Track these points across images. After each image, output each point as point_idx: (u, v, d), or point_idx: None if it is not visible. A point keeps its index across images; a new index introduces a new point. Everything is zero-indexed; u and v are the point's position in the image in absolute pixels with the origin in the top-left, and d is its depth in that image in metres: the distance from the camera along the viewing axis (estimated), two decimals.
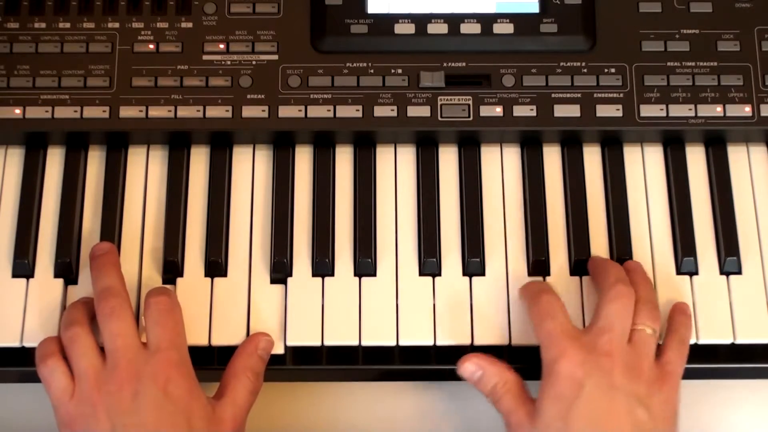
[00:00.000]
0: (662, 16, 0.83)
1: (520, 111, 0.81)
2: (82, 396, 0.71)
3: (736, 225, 0.80)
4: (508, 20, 0.83)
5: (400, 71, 0.82)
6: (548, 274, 0.79)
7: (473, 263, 0.79)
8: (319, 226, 0.80)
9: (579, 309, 0.78)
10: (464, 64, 0.82)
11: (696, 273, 0.80)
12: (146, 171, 0.83)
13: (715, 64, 0.82)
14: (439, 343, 0.77)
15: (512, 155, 0.83)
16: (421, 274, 0.79)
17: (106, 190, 0.81)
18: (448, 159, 0.83)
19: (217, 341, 0.77)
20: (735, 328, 0.78)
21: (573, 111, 0.81)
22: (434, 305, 0.78)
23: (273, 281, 0.79)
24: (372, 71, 0.82)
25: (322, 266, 0.79)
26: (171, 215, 0.81)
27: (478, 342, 0.77)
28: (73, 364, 0.72)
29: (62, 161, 0.83)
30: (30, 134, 0.82)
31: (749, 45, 0.82)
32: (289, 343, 0.77)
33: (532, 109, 0.81)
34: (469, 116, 0.81)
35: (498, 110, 0.81)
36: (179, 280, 0.79)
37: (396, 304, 0.78)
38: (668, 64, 0.82)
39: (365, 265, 0.79)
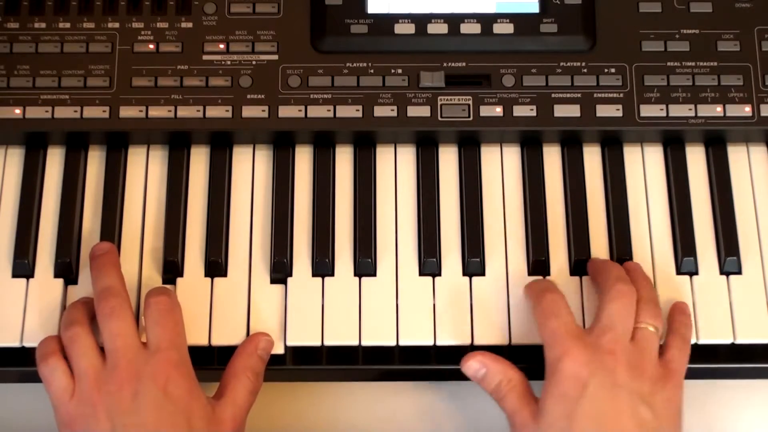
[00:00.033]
0: (662, 16, 0.83)
1: (520, 111, 0.81)
2: (82, 396, 0.71)
3: (736, 225, 0.80)
4: (508, 20, 0.83)
5: (400, 71, 0.82)
6: (548, 274, 0.79)
7: (473, 263, 0.79)
8: (319, 226, 0.80)
9: (579, 309, 0.78)
10: (464, 64, 0.82)
11: (696, 273, 0.80)
12: (146, 171, 0.83)
13: (715, 64, 0.82)
14: (439, 343, 0.77)
15: (512, 155, 0.83)
16: (421, 274, 0.79)
17: (106, 190, 0.81)
18: (448, 159, 0.83)
19: (217, 341, 0.77)
20: (735, 328, 0.78)
21: (573, 111, 0.81)
22: (434, 305, 0.78)
23: (273, 281, 0.79)
24: (372, 71, 0.82)
25: (322, 266, 0.79)
26: (171, 215, 0.81)
27: (478, 342, 0.77)
28: (73, 364, 0.72)
29: (62, 161, 0.83)
30: (30, 134, 0.82)
31: (749, 45, 0.82)
32: (289, 343, 0.77)
33: (532, 109, 0.81)
34: (469, 116, 0.81)
35: (498, 110, 0.81)
36: (179, 280, 0.79)
37: (396, 304, 0.78)
38: (668, 64, 0.82)
39: (365, 265, 0.79)
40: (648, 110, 0.81)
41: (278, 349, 0.77)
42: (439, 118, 0.81)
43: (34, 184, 0.81)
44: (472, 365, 0.74)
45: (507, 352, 0.77)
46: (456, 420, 0.81)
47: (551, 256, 0.80)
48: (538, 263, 0.79)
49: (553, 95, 0.81)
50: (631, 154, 0.83)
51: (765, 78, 0.82)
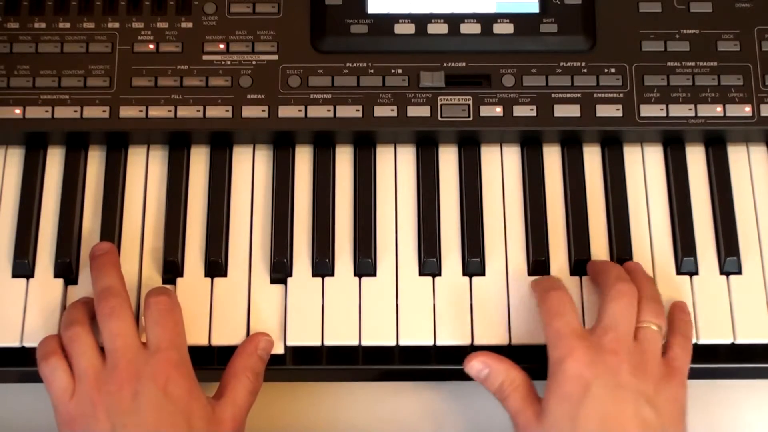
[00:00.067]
0: (662, 16, 0.83)
1: (520, 111, 0.81)
2: (82, 395, 0.71)
3: (736, 225, 0.80)
4: (508, 20, 0.83)
5: (400, 71, 0.82)
6: (548, 274, 0.79)
7: (473, 263, 0.79)
8: (319, 226, 0.80)
9: (579, 309, 0.78)
10: (464, 64, 0.82)
11: (696, 273, 0.80)
12: (146, 171, 0.83)
13: (715, 64, 0.82)
14: (439, 343, 0.77)
15: (512, 155, 0.83)
16: (421, 274, 0.79)
17: (106, 190, 0.81)
18: (448, 159, 0.83)
19: (217, 341, 0.77)
20: (735, 328, 0.77)
21: (573, 111, 0.81)
22: (434, 305, 0.78)
23: (273, 281, 0.79)
24: (372, 71, 0.82)
25: (322, 266, 0.79)
26: (171, 215, 0.81)
27: (477, 342, 0.77)
28: (73, 364, 0.72)
29: (62, 161, 0.83)
30: (30, 134, 0.82)
31: (749, 45, 0.82)
32: (289, 343, 0.77)
33: (532, 109, 0.81)
34: (469, 116, 0.81)
35: (498, 110, 0.81)
36: (179, 280, 0.79)
37: (396, 304, 0.78)
38: (668, 64, 0.82)
39: (365, 265, 0.79)
40: (648, 110, 0.81)
41: (278, 349, 0.77)
42: (439, 118, 0.81)
43: (34, 184, 0.81)
44: (474, 365, 0.74)
45: (507, 352, 0.76)
46: (456, 420, 0.81)
47: (551, 256, 0.80)
48: (538, 263, 0.79)
49: (553, 95, 0.81)
50: (631, 154, 0.83)
51: (765, 78, 0.82)
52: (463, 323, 0.78)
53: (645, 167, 0.83)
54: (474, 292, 0.79)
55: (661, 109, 0.81)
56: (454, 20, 0.83)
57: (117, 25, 0.83)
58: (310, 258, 0.79)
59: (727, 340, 0.78)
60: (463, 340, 0.77)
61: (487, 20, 0.83)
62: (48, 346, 0.73)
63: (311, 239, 0.80)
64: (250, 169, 0.83)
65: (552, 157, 0.83)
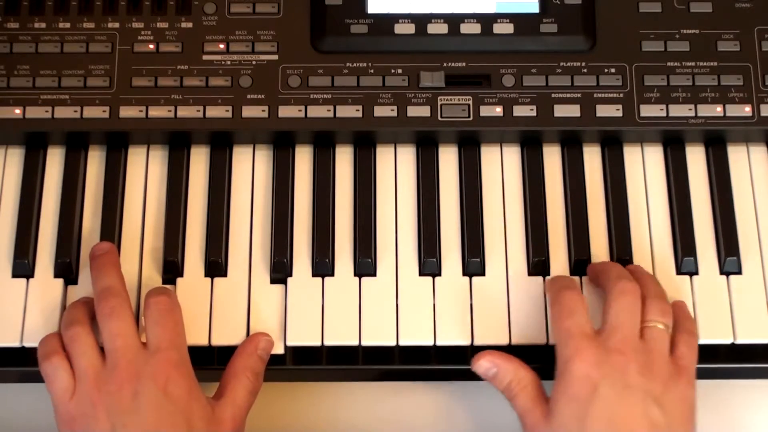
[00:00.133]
0: (662, 16, 0.83)
1: (520, 111, 0.81)
2: (82, 395, 0.71)
3: (736, 225, 0.80)
4: (508, 20, 0.83)
5: (400, 71, 0.82)
6: (548, 274, 0.79)
7: (473, 263, 0.79)
8: (319, 226, 0.80)
9: None
10: (464, 64, 0.82)
11: (696, 273, 0.80)
12: (146, 171, 0.83)
13: (715, 64, 0.82)
14: (439, 343, 0.77)
15: (512, 155, 0.83)
16: (421, 274, 0.79)
17: (106, 190, 0.81)
18: (448, 159, 0.83)
19: (217, 341, 0.77)
20: (735, 328, 0.77)
21: (573, 111, 0.81)
22: (434, 305, 0.78)
23: (273, 281, 0.79)
24: (372, 71, 0.82)
25: (322, 266, 0.79)
26: (171, 215, 0.81)
27: (477, 342, 0.77)
28: (73, 363, 0.72)
29: (62, 161, 0.83)
30: (30, 134, 0.82)
31: (749, 45, 0.82)
32: (289, 343, 0.77)
33: (532, 109, 0.81)
34: (469, 116, 0.81)
35: (498, 110, 0.81)
36: (179, 280, 0.79)
37: (396, 304, 0.78)
38: (668, 64, 0.82)
39: (365, 265, 0.79)
40: (648, 110, 0.81)
41: (278, 349, 0.77)
42: (439, 118, 0.81)
43: (34, 184, 0.81)
44: (482, 364, 0.74)
45: (507, 352, 0.76)
46: (456, 420, 0.81)
47: (551, 256, 0.80)
48: (538, 263, 0.79)
49: (553, 95, 0.81)
50: (631, 154, 0.83)
51: (765, 78, 0.82)
52: (463, 323, 0.78)
53: (645, 167, 0.83)
54: (474, 292, 0.79)
55: (661, 109, 0.81)
56: (454, 20, 0.83)
57: (117, 25, 0.83)
58: (310, 258, 0.79)
59: (727, 340, 0.77)
60: (463, 340, 0.77)
61: (487, 20, 0.83)
62: (49, 346, 0.73)
63: (311, 239, 0.80)
64: (250, 169, 0.83)
65: (552, 157, 0.83)
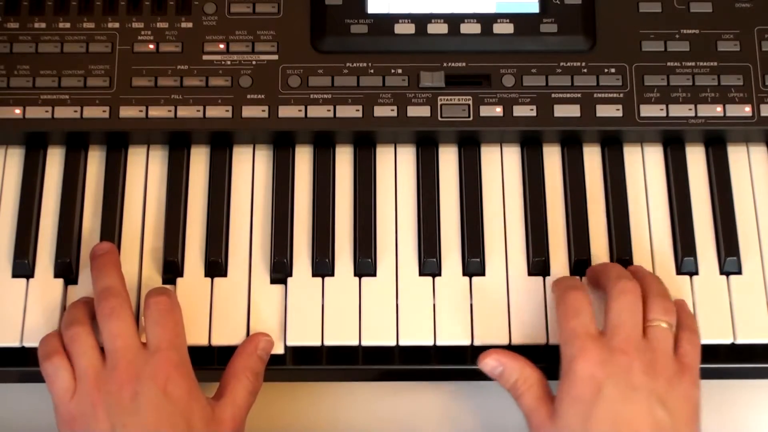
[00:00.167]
0: (662, 16, 0.83)
1: (520, 111, 0.81)
2: (83, 395, 0.71)
3: (736, 225, 0.80)
4: (508, 20, 0.83)
5: (400, 71, 0.82)
6: (548, 274, 0.79)
7: (473, 263, 0.79)
8: (319, 226, 0.80)
9: None
10: (464, 64, 0.82)
11: (696, 273, 0.80)
12: (146, 171, 0.83)
13: (715, 64, 0.82)
14: (439, 343, 0.77)
15: (512, 155, 0.83)
16: (421, 274, 0.79)
17: (106, 190, 0.81)
18: (448, 159, 0.83)
19: (217, 341, 0.77)
20: (735, 328, 0.77)
21: (573, 111, 0.81)
22: (434, 305, 0.78)
23: (273, 281, 0.79)
24: (372, 71, 0.82)
25: (322, 266, 0.79)
26: (171, 215, 0.81)
27: (478, 342, 0.77)
28: (74, 363, 0.72)
29: (62, 161, 0.83)
30: (30, 134, 0.82)
31: (749, 45, 0.82)
32: (289, 343, 0.77)
33: (532, 109, 0.81)
34: (469, 116, 0.81)
35: (498, 110, 0.81)
36: (179, 280, 0.79)
37: (396, 304, 0.78)
38: (668, 64, 0.82)
39: (365, 265, 0.79)
40: (648, 110, 0.81)
41: (278, 349, 0.77)
42: (439, 118, 0.81)
43: (34, 184, 0.81)
44: (488, 363, 0.74)
45: None
46: (456, 420, 0.81)
47: (551, 256, 0.80)
48: (538, 263, 0.79)
49: (553, 95, 0.81)
50: (631, 154, 0.83)
51: (765, 78, 0.82)
52: (463, 323, 0.78)
53: (645, 167, 0.83)
54: (474, 292, 0.79)
55: (661, 109, 0.81)
56: (454, 20, 0.83)
57: (117, 25, 0.83)
58: (310, 258, 0.79)
59: (727, 340, 0.78)
60: (463, 340, 0.77)
61: (487, 20, 0.83)
62: (50, 345, 0.73)
63: (311, 239, 0.80)
64: (250, 169, 0.83)
65: (552, 157, 0.83)
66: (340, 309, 0.78)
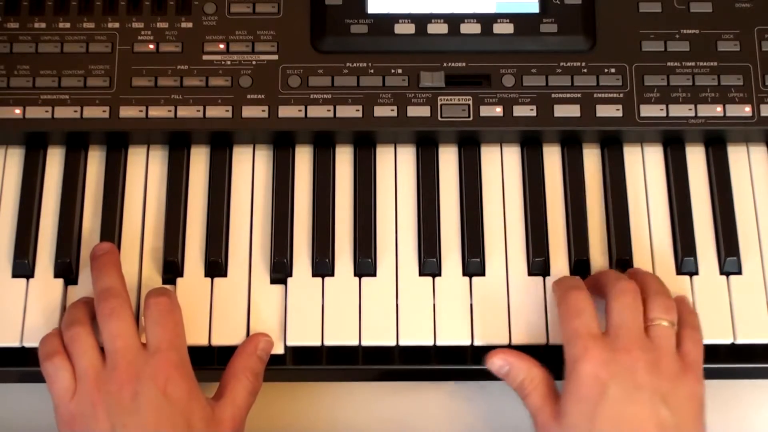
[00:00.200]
0: (662, 16, 0.83)
1: (520, 111, 0.81)
2: (83, 395, 0.71)
3: (736, 225, 0.80)
4: (508, 20, 0.83)
5: (400, 71, 0.82)
6: (548, 275, 0.79)
7: (473, 263, 0.79)
8: (319, 226, 0.80)
9: None
10: (464, 64, 0.82)
11: (696, 273, 0.80)
12: (146, 171, 0.83)
13: (715, 64, 0.82)
14: (439, 343, 0.77)
15: (512, 155, 0.83)
16: (421, 274, 0.79)
17: (106, 190, 0.81)
18: (448, 159, 0.83)
19: (217, 341, 0.77)
20: (735, 328, 0.78)
21: (573, 111, 0.81)
22: (434, 305, 0.78)
23: (273, 281, 0.79)
24: (372, 71, 0.82)
25: (322, 266, 0.79)
26: (171, 215, 0.81)
27: (478, 342, 0.77)
28: (74, 364, 0.72)
29: (62, 161, 0.83)
30: (30, 134, 0.82)
31: (749, 45, 0.82)
32: (289, 343, 0.77)
33: (532, 109, 0.81)
34: (469, 116, 0.81)
35: (498, 110, 0.81)
36: (179, 280, 0.79)
37: (396, 304, 0.78)
38: (668, 64, 0.82)
39: (365, 265, 0.79)
40: (648, 110, 0.81)
41: (278, 349, 0.77)
42: (439, 118, 0.81)
43: (34, 184, 0.81)
44: (495, 362, 0.74)
45: None
46: (456, 420, 0.81)
47: (551, 256, 0.80)
48: (539, 263, 0.79)
49: (553, 95, 0.81)
50: (631, 154, 0.83)
51: (765, 78, 0.82)
52: (463, 323, 0.78)
53: (645, 167, 0.83)
54: (474, 292, 0.79)
55: (661, 109, 0.81)
56: (454, 20, 0.83)
57: (117, 25, 0.83)
58: (310, 258, 0.79)
59: (727, 340, 0.78)
60: (463, 340, 0.77)
61: (487, 20, 0.83)
62: (51, 345, 0.73)
63: (311, 239, 0.80)
64: (250, 169, 0.83)
65: (552, 157, 0.83)
66: (340, 309, 0.78)
